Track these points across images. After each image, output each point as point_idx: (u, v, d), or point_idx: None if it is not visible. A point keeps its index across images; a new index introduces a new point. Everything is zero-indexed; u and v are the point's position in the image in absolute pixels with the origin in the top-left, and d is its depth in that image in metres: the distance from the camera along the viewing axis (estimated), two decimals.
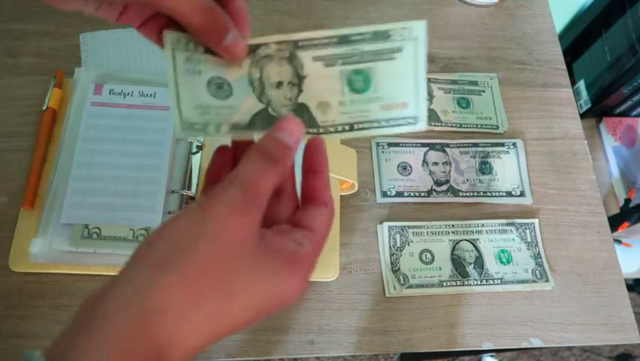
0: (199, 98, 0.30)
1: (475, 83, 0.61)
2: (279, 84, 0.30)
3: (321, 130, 0.31)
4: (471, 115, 0.59)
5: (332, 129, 0.31)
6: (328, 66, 0.30)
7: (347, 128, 0.31)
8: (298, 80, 0.30)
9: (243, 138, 0.30)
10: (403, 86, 0.30)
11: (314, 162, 0.30)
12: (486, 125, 0.58)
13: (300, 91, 0.30)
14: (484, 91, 0.60)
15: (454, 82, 0.60)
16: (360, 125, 0.31)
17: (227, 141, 0.32)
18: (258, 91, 0.30)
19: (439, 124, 0.58)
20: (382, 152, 0.56)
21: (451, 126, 0.58)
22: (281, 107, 0.30)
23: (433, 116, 0.58)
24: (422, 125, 0.31)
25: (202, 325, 0.22)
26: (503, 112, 0.60)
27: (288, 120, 0.28)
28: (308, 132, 0.30)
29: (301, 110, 0.31)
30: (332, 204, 0.30)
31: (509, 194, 0.55)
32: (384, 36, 0.29)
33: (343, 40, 0.29)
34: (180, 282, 0.21)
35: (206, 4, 0.26)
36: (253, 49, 0.29)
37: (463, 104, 0.59)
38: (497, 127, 0.58)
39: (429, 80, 0.60)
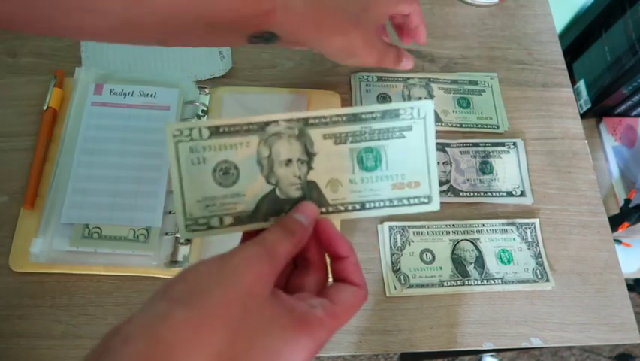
0: (204, 190, 0.30)
1: (476, 83, 0.61)
2: (289, 162, 0.30)
3: (330, 209, 0.31)
4: (471, 115, 0.59)
5: (342, 208, 0.31)
6: (338, 144, 0.30)
7: (357, 207, 0.31)
8: (308, 158, 0.30)
9: (247, 229, 0.30)
10: (415, 165, 0.30)
11: (333, 249, 0.30)
12: (486, 125, 0.58)
13: (310, 168, 0.30)
14: (484, 91, 0.60)
15: (455, 82, 0.60)
16: (372, 205, 0.31)
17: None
18: (267, 170, 0.30)
19: (440, 124, 0.58)
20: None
21: (452, 126, 0.58)
22: (289, 187, 0.30)
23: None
24: (436, 205, 0.31)
25: None
26: (504, 112, 0.60)
27: (304, 205, 0.30)
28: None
29: (310, 189, 0.30)
30: (364, 285, 0.30)
31: (510, 194, 0.55)
32: (393, 114, 0.30)
33: (353, 118, 0.30)
34: (190, 319, 0.23)
35: (381, 47, 0.45)
36: (262, 126, 0.29)
37: (464, 104, 0.59)
38: (497, 127, 0.58)
39: (429, 79, 0.60)
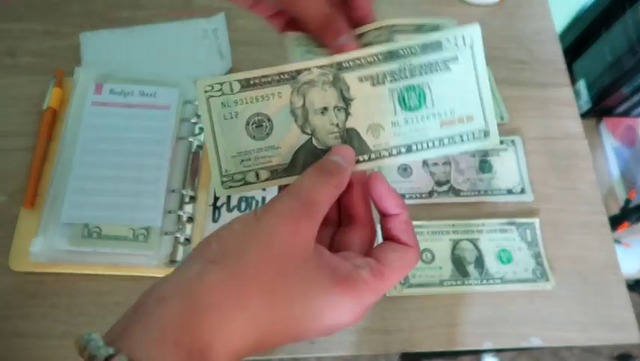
0: (238, 144, 0.29)
1: None
2: (324, 110, 0.29)
3: (373, 156, 0.29)
4: None
5: (386, 153, 0.29)
6: (376, 85, 0.28)
7: (403, 150, 0.29)
8: (345, 104, 0.29)
9: (285, 183, 0.29)
10: (465, 98, 0.28)
11: (383, 205, 0.29)
12: None
13: (348, 115, 0.29)
14: None
15: None
16: (420, 146, 0.28)
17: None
18: (302, 120, 0.29)
19: None
20: None
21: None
22: (327, 136, 0.29)
23: None
24: (494, 140, 0.28)
25: (245, 328, 0.22)
26: (500, 101, 0.59)
27: (338, 147, 0.28)
28: (359, 161, 0.29)
29: (350, 136, 0.29)
30: (416, 245, 0.28)
31: (510, 192, 0.55)
32: (435, 47, 0.28)
33: (390, 56, 0.28)
34: (227, 280, 0.22)
35: (325, 10, 0.30)
36: (294, 75, 0.28)
37: None
38: (502, 118, 0.58)
39: None
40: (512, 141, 0.57)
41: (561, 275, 0.52)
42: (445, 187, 0.55)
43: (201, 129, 0.53)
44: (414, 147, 0.28)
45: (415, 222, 0.52)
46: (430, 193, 0.54)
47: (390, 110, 0.28)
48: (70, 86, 0.54)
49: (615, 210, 1.01)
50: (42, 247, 0.46)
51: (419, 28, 0.29)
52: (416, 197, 0.54)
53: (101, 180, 0.49)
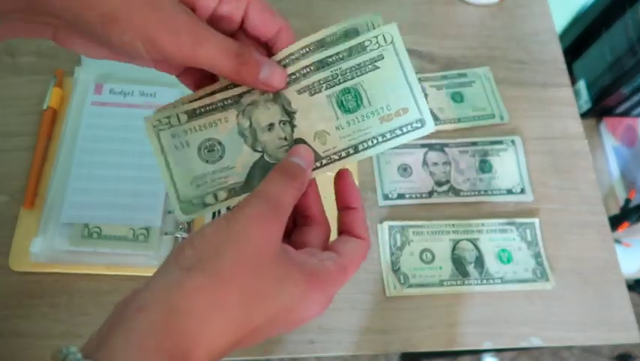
0: (192, 170, 0.30)
1: (465, 75, 0.61)
2: (271, 126, 0.30)
3: (324, 161, 0.30)
4: (467, 108, 0.59)
5: (336, 157, 0.30)
6: (314, 94, 0.30)
7: (352, 151, 0.30)
8: (289, 117, 0.30)
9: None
10: (397, 92, 0.29)
11: (346, 198, 0.30)
12: (482, 116, 0.58)
13: (294, 127, 0.30)
14: (474, 82, 0.60)
15: (444, 77, 0.61)
16: (365, 145, 0.30)
17: None
18: (251, 139, 0.30)
19: (438, 122, 0.58)
20: (382, 154, 0.56)
21: (450, 122, 0.58)
22: (277, 150, 0.30)
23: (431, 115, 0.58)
24: (430, 127, 0.29)
25: (225, 328, 0.23)
26: (500, 102, 0.59)
27: (297, 147, 0.29)
28: (312, 168, 0.30)
29: None
30: (368, 237, 0.30)
31: (510, 192, 0.55)
32: (360, 49, 0.29)
33: (320, 64, 0.29)
34: (204, 284, 0.23)
35: (235, 50, 0.27)
36: (236, 99, 0.30)
37: (458, 98, 0.59)
38: (494, 116, 0.58)
39: (419, 79, 0.60)
40: (512, 141, 0.57)
41: (561, 275, 0.52)
42: (445, 187, 0.55)
43: None
44: (360, 147, 0.30)
45: (415, 222, 0.52)
46: (430, 193, 0.54)
47: (331, 115, 0.30)
48: (70, 86, 0.54)
49: (615, 210, 1.01)
50: (42, 247, 0.46)
51: (346, 34, 0.30)
52: (416, 197, 0.54)
53: (101, 180, 0.49)
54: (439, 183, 0.55)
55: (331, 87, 0.29)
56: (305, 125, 0.30)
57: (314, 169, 0.30)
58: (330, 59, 0.29)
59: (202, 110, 0.30)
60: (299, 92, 0.30)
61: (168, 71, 0.32)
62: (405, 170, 0.55)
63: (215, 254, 0.24)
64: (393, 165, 0.55)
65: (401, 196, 0.54)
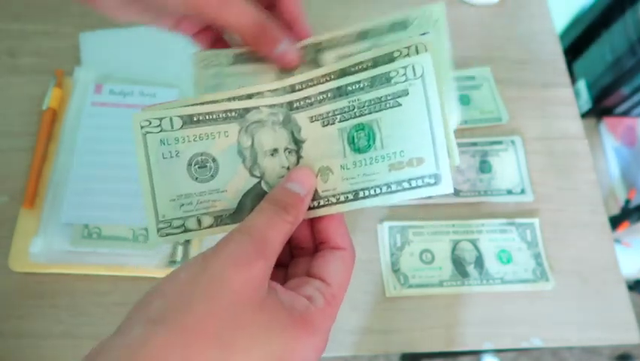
0: (178, 187, 0.26)
1: (473, 78, 0.61)
2: (275, 152, 0.26)
3: (321, 202, 0.26)
4: (474, 111, 0.59)
5: (334, 200, 0.26)
6: (326, 125, 0.26)
7: (350, 197, 0.26)
8: (296, 146, 0.26)
9: (230, 230, 0.26)
10: (416, 138, 0.25)
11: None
12: (489, 119, 0.58)
13: (300, 157, 0.26)
14: (481, 85, 0.60)
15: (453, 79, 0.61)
16: (367, 193, 0.26)
17: None
18: (250, 162, 0.26)
19: None
20: None
21: (457, 124, 0.58)
22: (277, 179, 0.26)
23: None
24: (446, 187, 0.25)
25: None
26: (502, 104, 0.60)
27: (298, 170, 0.26)
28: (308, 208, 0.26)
29: None
30: (349, 245, 0.27)
31: (510, 192, 0.55)
32: (384, 79, 0.25)
33: (338, 92, 0.26)
34: (172, 341, 0.20)
35: (259, 17, 0.26)
36: (242, 113, 0.26)
37: (464, 100, 0.59)
38: (500, 119, 0.58)
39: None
40: (512, 141, 0.57)
41: (561, 275, 0.52)
42: None
43: None
44: (361, 194, 0.26)
45: (415, 223, 0.52)
46: None
47: (339, 152, 0.26)
48: (70, 86, 0.54)
49: (615, 210, 1.01)
50: (42, 248, 0.46)
51: (392, 27, 0.27)
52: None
53: (101, 180, 0.49)
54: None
55: (345, 120, 0.26)
56: (312, 157, 0.26)
57: (308, 209, 0.26)
58: (350, 88, 0.26)
59: (200, 117, 0.26)
60: (311, 119, 0.26)
61: (185, 31, 0.31)
62: None
63: (187, 304, 0.21)
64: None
65: None
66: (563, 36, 1.10)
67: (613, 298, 0.51)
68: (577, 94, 1.04)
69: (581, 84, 1.04)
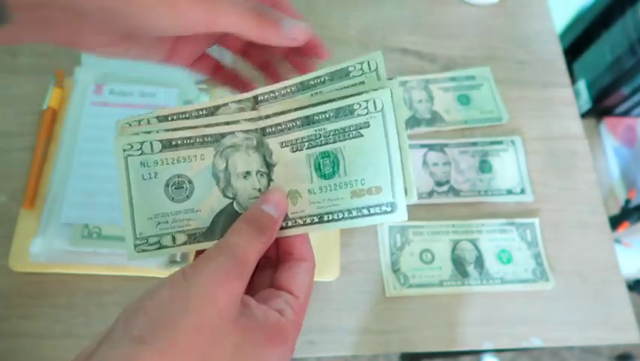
0: (155, 206, 0.28)
1: (473, 78, 0.61)
2: (247, 174, 0.28)
3: (290, 223, 0.28)
4: (474, 110, 0.59)
5: (300, 222, 0.28)
6: (295, 151, 0.28)
7: (316, 220, 0.28)
8: (267, 169, 0.28)
9: (202, 247, 0.28)
10: (375, 167, 0.27)
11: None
12: (489, 118, 0.59)
13: (270, 180, 0.28)
14: (482, 85, 0.61)
15: (453, 79, 0.61)
16: (330, 217, 0.27)
17: None
18: (224, 183, 0.28)
19: (444, 124, 0.58)
20: None
21: (456, 124, 0.58)
22: (249, 200, 0.28)
23: (437, 117, 0.58)
24: (402, 215, 0.26)
25: None
26: (502, 103, 0.60)
27: (274, 193, 0.27)
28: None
29: None
30: (312, 257, 0.28)
31: (510, 192, 0.55)
32: (347, 111, 0.27)
33: (307, 121, 0.27)
34: (161, 358, 0.20)
35: (253, 7, 0.27)
36: (217, 138, 0.28)
37: (464, 100, 0.59)
38: (501, 119, 0.58)
39: (427, 81, 0.60)
40: (512, 141, 0.57)
41: (561, 275, 0.52)
42: (445, 187, 0.55)
43: None
44: (325, 218, 0.27)
45: (415, 223, 0.52)
46: (430, 193, 0.54)
47: (307, 176, 0.28)
48: (70, 86, 0.54)
49: (615, 210, 1.01)
50: (42, 248, 0.46)
51: (332, 77, 0.28)
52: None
53: (101, 181, 0.49)
54: (439, 184, 0.55)
55: (313, 147, 0.28)
56: (282, 180, 0.28)
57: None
58: (317, 117, 0.27)
59: (179, 142, 0.28)
60: (282, 145, 0.28)
61: (180, 62, 0.30)
62: None
63: (172, 322, 0.21)
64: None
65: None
66: (563, 36, 1.10)
67: (613, 298, 0.51)
68: (577, 94, 1.04)
69: (581, 84, 1.04)
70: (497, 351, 1.12)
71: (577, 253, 0.53)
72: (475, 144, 0.57)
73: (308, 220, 0.28)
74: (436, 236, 0.52)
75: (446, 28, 0.65)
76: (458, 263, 0.51)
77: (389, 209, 0.26)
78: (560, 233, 0.54)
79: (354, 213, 0.27)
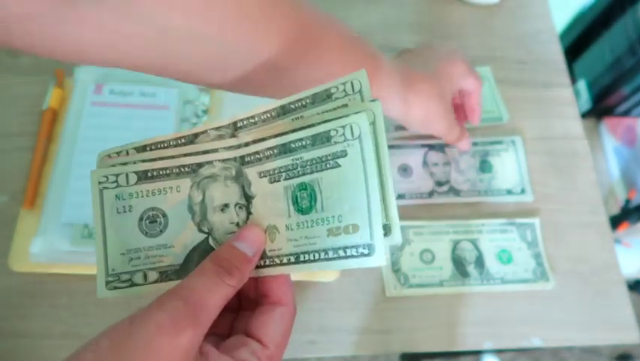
0: (128, 241, 0.26)
1: None
2: (225, 207, 0.26)
3: (267, 262, 0.26)
4: None
5: (277, 260, 0.25)
6: (273, 182, 0.25)
7: (292, 259, 0.25)
8: (246, 201, 0.26)
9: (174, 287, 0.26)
10: (353, 202, 0.24)
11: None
12: (490, 118, 0.58)
13: (250, 214, 0.26)
14: (483, 83, 0.60)
15: None
16: (307, 256, 0.25)
17: None
18: (199, 217, 0.26)
19: None
20: None
21: None
22: (225, 235, 0.26)
23: None
24: (379, 260, 0.23)
25: None
26: (502, 103, 0.60)
27: (248, 229, 0.25)
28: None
29: None
30: (290, 301, 0.26)
31: (510, 192, 0.55)
32: (324, 138, 0.24)
33: (284, 149, 0.25)
34: None
35: (450, 124, 0.48)
36: (195, 168, 0.26)
37: None
38: (501, 119, 0.58)
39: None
40: (512, 141, 0.57)
41: (561, 275, 0.52)
42: (445, 187, 0.55)
43: None
44: (302, 258, 0.25)
45: (415, 223, 0.52)
46: (430, 193, 0.54)
47: (285, 211, 0.25)
48: (70, 86, 0.54)
49: (615, 210, 1.01)
50: (42, 248, 0.46)
51: (313, 100, 0.26)
52: (416, 197, 0.54)
53: None
54: (439, 184, 0.55)
55: (290, 178, 0.25)
56: (260, 214, 0.26)
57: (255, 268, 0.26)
58: (294, 145, 0.25)
59: (155, 173, 0.26)
60: (260, 175, 0.26)
61: None
62: (405, 170, 0.55)
63: None
64: (393, 166, 0.55)
65: (401, 196, 0.54)
66: (563, 36, 1.10)
67: (613, 298, 0.51)
68: (577, 94, 1.04)
69: (581, 84, 1.04)
70: (497, 351, 1.12)
71: (577, 253, 0.53)
72: (475, 143, 0.57)
73: (284, 260, 0.25)
74: (436, 236, 0.52)
75: (446, 28, 0.65)
76: (458, 263, 0.51)
77: (366, 251, 0.23)
78: (560, 233, 0.54)
79: (331, 255, 0.24)
